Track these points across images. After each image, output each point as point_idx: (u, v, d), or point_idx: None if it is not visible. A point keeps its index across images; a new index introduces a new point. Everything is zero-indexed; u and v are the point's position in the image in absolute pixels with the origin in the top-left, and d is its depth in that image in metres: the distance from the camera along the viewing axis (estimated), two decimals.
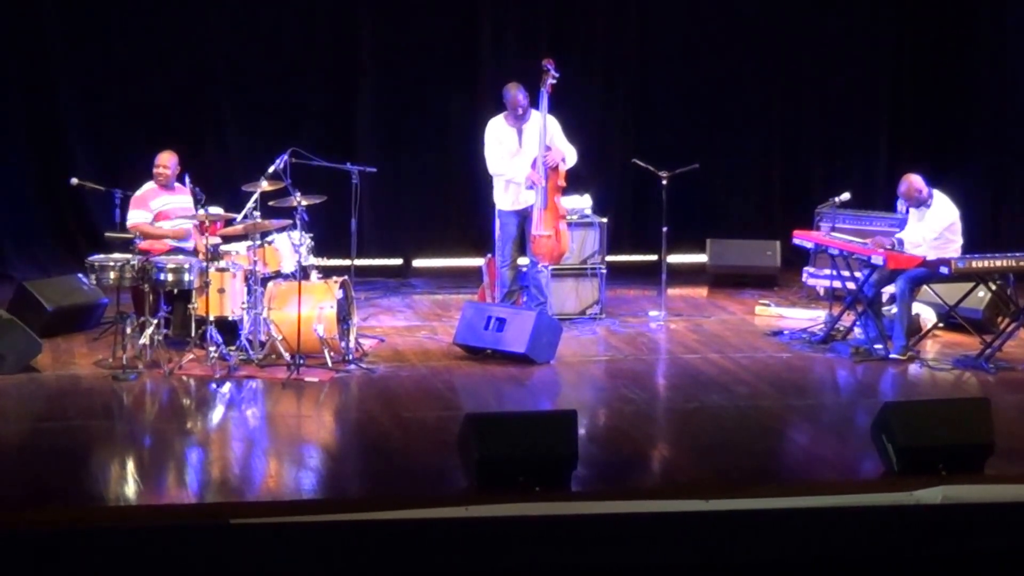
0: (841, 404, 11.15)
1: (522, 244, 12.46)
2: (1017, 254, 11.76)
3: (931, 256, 11.68)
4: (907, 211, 12.27)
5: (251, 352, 11.28)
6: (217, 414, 10.50)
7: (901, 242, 11.97)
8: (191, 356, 11.14)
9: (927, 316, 12.54)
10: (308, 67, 15.19)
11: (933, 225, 11.83)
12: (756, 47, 15.91)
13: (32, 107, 14.72)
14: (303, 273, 11.43)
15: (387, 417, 10.20)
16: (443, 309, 13.65)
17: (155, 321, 11.24)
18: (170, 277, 11.24)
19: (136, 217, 11.87)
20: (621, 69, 15.79)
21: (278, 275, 11.74)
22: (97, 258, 11.40)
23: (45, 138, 14.75)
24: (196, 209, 11.51)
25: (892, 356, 11.72)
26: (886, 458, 8.96)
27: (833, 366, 11.91)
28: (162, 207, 11.95)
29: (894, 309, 12.07)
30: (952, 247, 11.89)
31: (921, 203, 11.92)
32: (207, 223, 11.59)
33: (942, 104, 16.16)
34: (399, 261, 15.51)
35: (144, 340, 11.16)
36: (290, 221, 11.56)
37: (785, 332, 12.79)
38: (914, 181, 11.92)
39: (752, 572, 8.05)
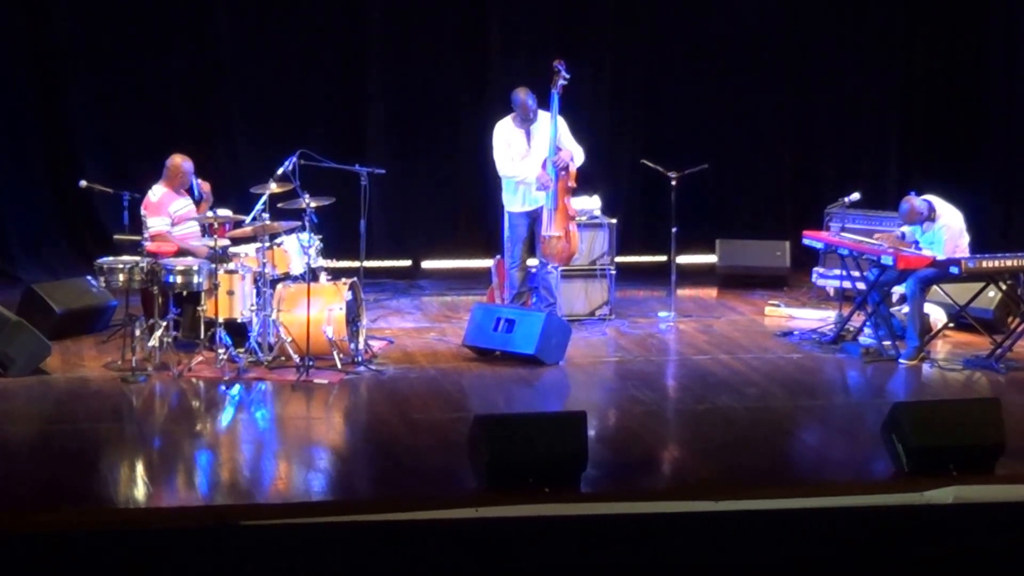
0: (851, 405, 11.13)
1: (532, 245, 12.46)
2: None
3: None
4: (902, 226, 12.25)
5: (260, 354, 11.28)
6: (226, 416, 10.50)
7: (904, 235, 11.99)
8: (200, 358, 11.14)
9: (937, 316, 12.52)
10: (317, 69, 15.19)
11: (950, 240, 11.75)
12: (766, 48, 15.89)
13: (41, 110, 14.75)
14: (312, 275, 11.43)
15: (396, 419, 10.20)
16: (452, 310, 13.64)
17: (164, 323, 11.24)
18: (179, 279, 11.24)
19: (158, 224, 11.83)
20: (630, 70, 15.78)
21: (287, 277, 11.74)
22: (106, 260, 11.40)
23: (54, 141, 14.78)
24: (194, 196, 11.59)
25: (901, 360, 11.69)
26: (896, 458, 8.95)
27: (843, 367, 11.90)
28: (176, 212, 11.95)
29: (904, 309, 12.06)
30: (961, 247, 11.87)
31: (925, 220, 11.88)
32: (215, 225, 11.62)
33: (953, 104, 16.13)
34: (408, 263, 15.51)
35: (153, 342, 11.16)
36: (299, 223, 11.55)
37: (795, 333, 12.78)
38: (915, 204, 11.83)
39: (762, 573, 8.04)
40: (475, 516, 8.20)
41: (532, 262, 12.59)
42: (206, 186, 12.25)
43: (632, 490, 8.88)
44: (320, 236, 11.83)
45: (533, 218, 12.38)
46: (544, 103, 12.29)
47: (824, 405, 10.92)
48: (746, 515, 8.37)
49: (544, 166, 12.19)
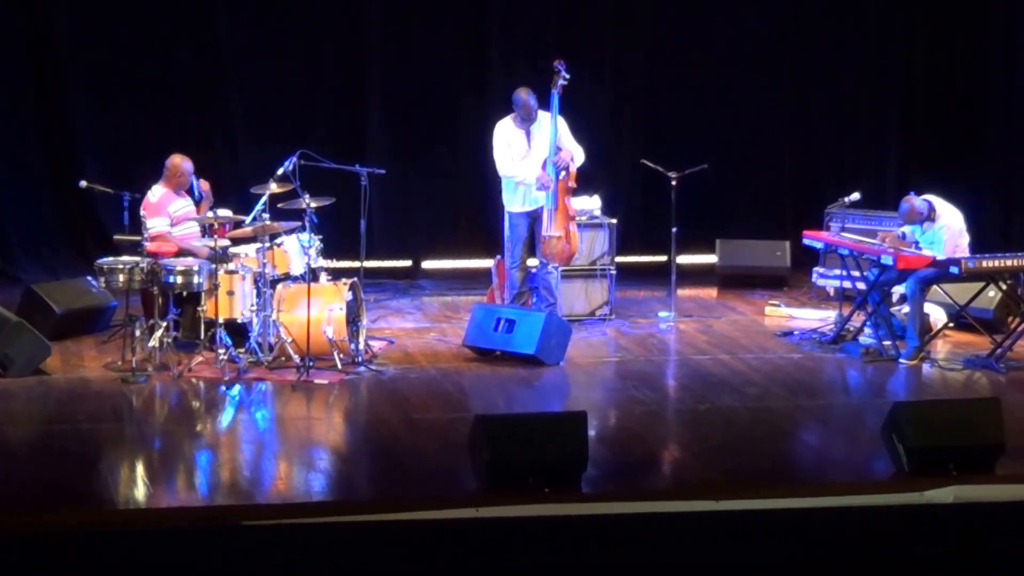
0: (851, 404, 11.13)
1: (532, 245, 12.46)
2: None
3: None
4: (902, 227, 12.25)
5: (260, 354, 11.28)
6: (227, 416, 10.50)
7: (904, 235, 12.01)
8: (200, 358, 11.14)
9: (937, 316, 12.52)
10: (317, 69, 15.19)
11: (950, 240, 11.76)
12: (766, 48, 15.89)
13: (42, 110, 14.75)
14: (312, 275, 11.43)
15: (397, 419, 10.19)
16: (452, 311, 13.64)
17: (164, 324, 11.24)
18: (179, 279, 11.24)
19: (158, 225, 11.83)
20: (630, 69, 15.78)
21: (287, 277, 11.74)
22: (106, 261, 11.40)
23: (55, 141, 14.77)
24: (194, 196, 11.51)
25: (901, 360, 11.69)
26: (897, 458, 8.94)
27: (843, 366, 11.90)
28: (175, 212, 11.95)
29: (904, 309, 12.06)
30: (961, 247, 11.88)
31: (925, 220, 11.88)
32: (215, 225, 11.62)
33: (952, 103, 16.14)
34: (408, 263, 15.51)
35: (153, 343, 11.16)
36: (299, 223, 11.56)
37: (795, 333, 12.78)
38: (915, 204, 11.84)
39: (762, 573, 8.04)
40: (475, 516, 8.20)
41: (532, 262, 12.59)
42: (205, 185, 12.24)
43: (632, 490, 8.88)
44: (320, 236, 11.82)
45: (533, 218, 12.38)
46: (544, 103, 12.29)
47: (824, 405, 10.91)
48: (746, 515, 8.37)
49: (544, 166, 12.19)
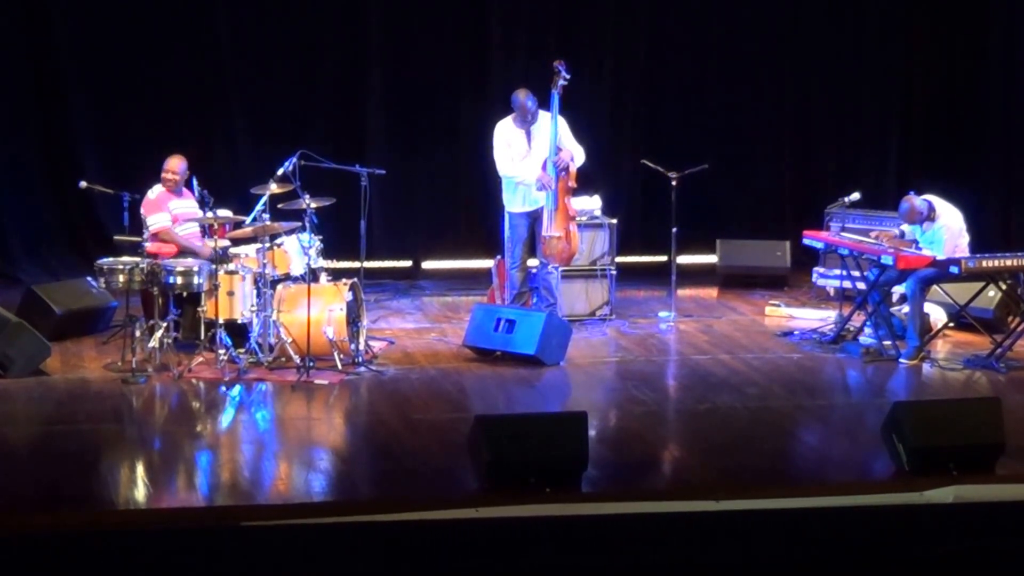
0: (852, 404, 11.13)
1: (532, 245, 12.46)
2: None
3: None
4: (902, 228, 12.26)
5: (261, 355, 11.28)
6: (227, 417, 10.50)
7: (903, 234, 12.01)
8: (201, 359, 11.14)
9: (937, 316, 12.52)
10: (317, 69, 15.19)
11: (950, 240, 11.76)
12: (766, 48, 15.89)
13: (42, 111, 14.74)
14: (312, 275, 11.43)
15: (397, 419, 10.19)
16: (452, 311, 13.64)
17: (164, 324, 11.24)
18: (179, 280, 11.24)
19: (160, 221, 11.85)
20: (631, 70, 15.77)
21: (287, 277, 11.74)
22: (106, 261, 11.39)
23: (54, 141, 14.76)
24: (204, 212, 11.49)
25: (902, 360, 11.69)
26: (897, 458, 8.95)
27: (844, 366, 11.89)
28: (175, 210, 11.95)
29: (904, 309, 12.06)
30: (961, 247, 11.88)
31: (924, 220, 11.88)
32: (215, 226, 11.61)
33: (953, 104, 16.14)
34: (408, 263, 15.50)
35: (153, 343, 11.17)
36: (299, 223, 11.56)
37: (795, 332, 12.78)
38: (915, 203, 11.84)
39: (762, 573, 8.03)
40: (475, 516, 8.21)
41: (532, 262, 12.59)
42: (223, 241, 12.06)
43: (632, 490, 8.88)
44: (320, 237, 11.82)
45: (533, 218, 12.38)
46: (544, 103, 12.29)
47: (824, 405, 10.91)
48: (746, 515, 8.37)
49: (544, 166, 12.19)
